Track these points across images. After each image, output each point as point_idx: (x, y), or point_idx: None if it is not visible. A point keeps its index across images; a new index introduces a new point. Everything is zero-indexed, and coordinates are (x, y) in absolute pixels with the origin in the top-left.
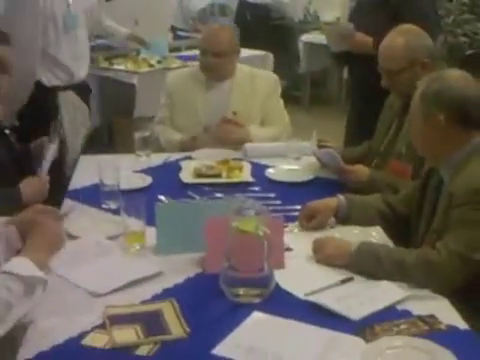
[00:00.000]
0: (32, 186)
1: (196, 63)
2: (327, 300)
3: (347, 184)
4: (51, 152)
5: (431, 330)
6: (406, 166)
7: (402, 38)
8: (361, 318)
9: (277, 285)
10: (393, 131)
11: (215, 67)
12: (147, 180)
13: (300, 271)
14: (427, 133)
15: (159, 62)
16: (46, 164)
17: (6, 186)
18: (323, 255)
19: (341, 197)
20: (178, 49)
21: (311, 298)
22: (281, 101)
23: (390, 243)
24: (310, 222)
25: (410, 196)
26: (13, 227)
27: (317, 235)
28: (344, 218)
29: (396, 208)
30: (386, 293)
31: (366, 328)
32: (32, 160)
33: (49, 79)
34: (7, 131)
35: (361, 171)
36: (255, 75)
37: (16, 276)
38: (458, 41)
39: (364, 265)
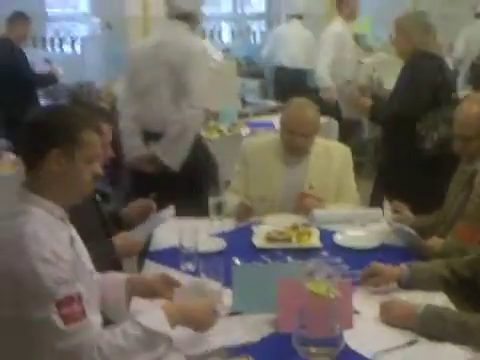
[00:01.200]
0: (124, 242)
1: (265, 131)
2: None
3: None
4: (157, 221)
5: None
6: (475, 229)
7: (477, 106)
8: None
9: (346, 345)
10: (464, 195)
11: (301, 146)
12: (222, 244)
13: (367, 332)
14: None
15: (229, 130)
16: (145, 231)
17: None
18: (390, 317)
19: (404, 267)
20: (246, 115)
21: (380, 359)
22: (353, 175)
23: (453, 308)
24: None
25: (475, 261)
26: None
27: (384, 299)
28: (407, 286)
29: (460, 273)
30: (451, 355)
31: None
32: (122, 225)
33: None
34: (98, 198)
35: (436, 245)
36: (329, 147)
37: (140, 326)
38: None
39: (429, 327)
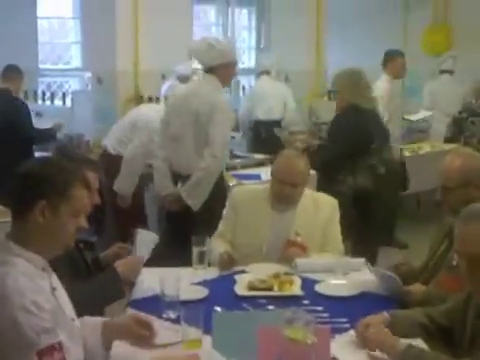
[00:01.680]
0: (126, 265)
1: (251, 182)
2: None
3: (400, 300)
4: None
5: None
6: (458, 279)
7: (460, 159)
8: None
9: None
10: (445, 247)
11: (291, 196)
12: (204, 292)
13: None
14: None
15: None
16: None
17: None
18: (372, 336)
19: (385, 314)
20: (234, 168)
21: None
22: (339, 227)
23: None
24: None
25: (452, 310)
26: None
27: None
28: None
29: (437, 321)
30: None
31: None
32: (101, 268)
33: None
34: (81, 245)
35: (418, 292)
36: (317, 199)
37: None
38: None
39: None
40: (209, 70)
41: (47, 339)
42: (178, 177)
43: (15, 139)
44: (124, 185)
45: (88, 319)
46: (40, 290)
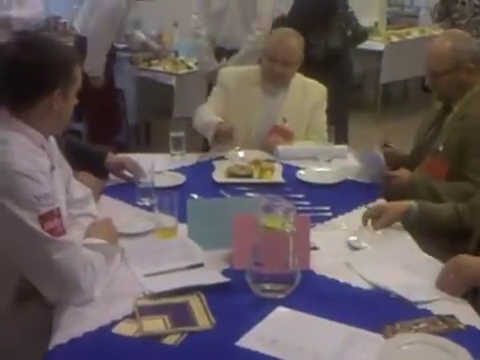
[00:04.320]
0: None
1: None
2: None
3: (385, 189)
4: None
5: (450, 329)
6: (442, 164)
7: (450, 41)
8: (418, 301)
9: (302, 281)
10: (433, 131)
11: (282, 75)
12: (181, 179)
13: (325, 269)
14: None
15: (197, 64)
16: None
17: None
18: (464, 274)
19: (413, 203)
20: None
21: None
22: (325, 115)
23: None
24: (375, 221)
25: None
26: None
27: (343, 236)
28: (412, 225)
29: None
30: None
31: (386, 325)
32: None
33: None
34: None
35: (403, 176)
36: (307, 84)
37: (97, 246)
38: None
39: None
40: None
41: (47, 205)
42: (222, 52)
43: None
44: (94, 65)
45: None
46: (39, 164)
